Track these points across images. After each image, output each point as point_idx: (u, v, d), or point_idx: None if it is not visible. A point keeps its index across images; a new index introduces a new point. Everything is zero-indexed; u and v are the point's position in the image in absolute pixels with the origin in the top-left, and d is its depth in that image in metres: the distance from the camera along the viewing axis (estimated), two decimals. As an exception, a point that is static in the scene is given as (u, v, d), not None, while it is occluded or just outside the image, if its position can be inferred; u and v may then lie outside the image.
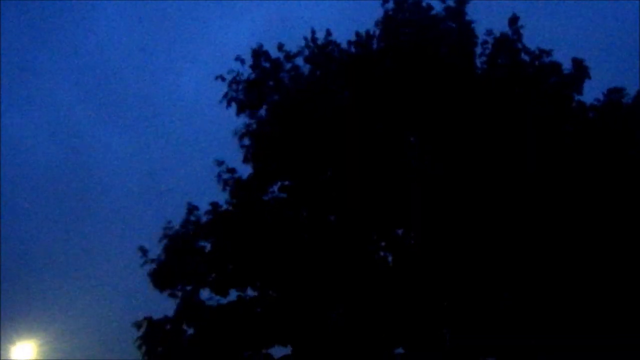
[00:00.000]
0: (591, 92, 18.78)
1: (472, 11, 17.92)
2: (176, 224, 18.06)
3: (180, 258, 17.67)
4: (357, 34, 17.63)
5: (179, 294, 17.78)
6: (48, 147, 67.58)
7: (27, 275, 49.01)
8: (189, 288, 17.81)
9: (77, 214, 58.03)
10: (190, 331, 17.51)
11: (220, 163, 18.12)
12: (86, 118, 67.24)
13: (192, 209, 18.10)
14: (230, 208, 18.02)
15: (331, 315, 17.28)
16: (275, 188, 18.06)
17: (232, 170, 18.19)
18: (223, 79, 17.77)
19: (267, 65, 17.74)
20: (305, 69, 17.81)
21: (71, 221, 57.42)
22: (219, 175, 18.09)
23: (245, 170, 18.52)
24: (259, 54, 17.76)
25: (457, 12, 17.63)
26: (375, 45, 17.64)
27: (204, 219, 18.02)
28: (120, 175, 62.75)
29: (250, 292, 17.69)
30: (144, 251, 17.69)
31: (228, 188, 18.08)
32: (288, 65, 17.78)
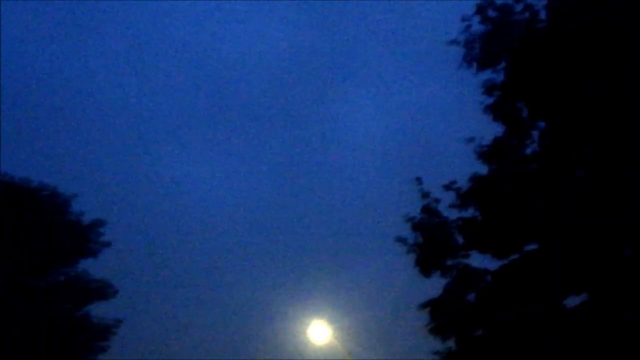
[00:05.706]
0: None
1: None
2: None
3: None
4: None
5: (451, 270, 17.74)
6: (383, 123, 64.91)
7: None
8: (458, 261, 17.75)
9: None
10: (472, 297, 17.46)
11: (471, 139, 17.90)
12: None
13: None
14: (489, 174, 17.69)
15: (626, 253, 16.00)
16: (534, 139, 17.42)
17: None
18: (457, 43, 17.61)
19: (496, 14, 17.29)
20: (540, 5, 17.01)
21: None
22: (475, 152, 17.85)
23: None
24: (483, 7, 17.48)
25: None
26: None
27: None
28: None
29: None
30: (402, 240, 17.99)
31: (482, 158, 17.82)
32: (519, 7, 17.17)
